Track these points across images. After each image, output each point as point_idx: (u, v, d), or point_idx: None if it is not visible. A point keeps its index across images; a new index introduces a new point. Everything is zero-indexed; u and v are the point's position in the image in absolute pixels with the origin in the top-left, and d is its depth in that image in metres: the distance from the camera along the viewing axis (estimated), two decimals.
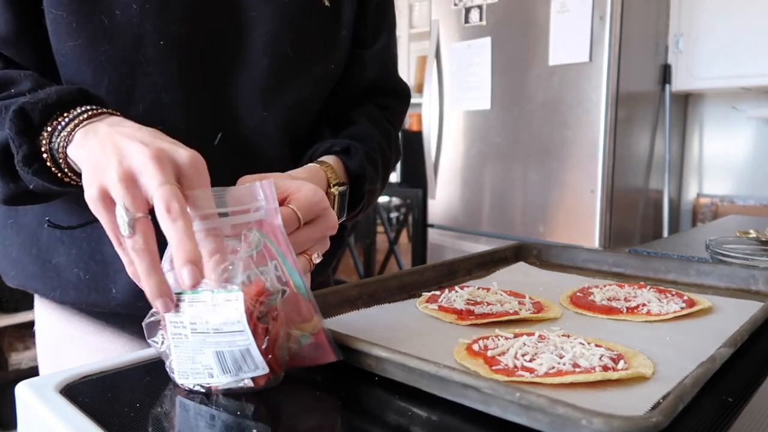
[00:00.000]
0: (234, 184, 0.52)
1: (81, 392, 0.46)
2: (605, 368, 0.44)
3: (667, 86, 2.30)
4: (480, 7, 2.34)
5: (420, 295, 0.66)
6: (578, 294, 0.67)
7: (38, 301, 0.76)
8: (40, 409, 0.44)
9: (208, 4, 0.64)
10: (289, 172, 0.61)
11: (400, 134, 0.88)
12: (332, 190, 0.64)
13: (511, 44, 2.26)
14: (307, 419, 0.43)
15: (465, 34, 2.41)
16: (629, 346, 0.50)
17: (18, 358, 2.36)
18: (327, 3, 0.72)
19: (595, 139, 2.06)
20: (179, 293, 0.43)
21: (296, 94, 0.71)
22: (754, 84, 2.17)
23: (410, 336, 0.54)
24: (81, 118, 0.50)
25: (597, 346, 0.49)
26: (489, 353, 0.48)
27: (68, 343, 0.74)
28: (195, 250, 0.41)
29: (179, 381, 0.45)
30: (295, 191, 0.53)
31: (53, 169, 0.51)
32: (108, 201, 0.44)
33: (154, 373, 0.49)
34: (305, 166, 0.65)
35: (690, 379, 0.40)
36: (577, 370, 0.44)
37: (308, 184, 0.54)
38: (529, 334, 0.51)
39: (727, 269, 0.73)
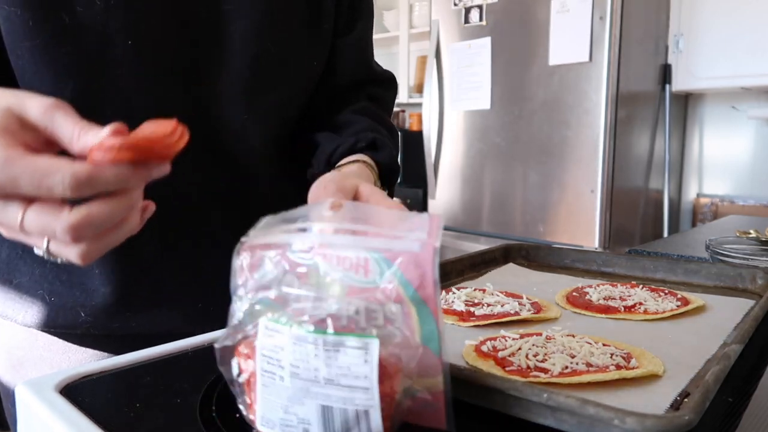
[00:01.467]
0: (208, 192, 0.45)
1: (81, 392, 0.46)
2: (618, 367, 0.44)
3: (667, 86, 2.30)
4: (480, 7, 2.34)
5: None
6: (574, 294, 0.68)
7: (1, 320, 0.68)
8: (40, 409, 0.44)
9: (206, 10, 0.60)
10: (344, 173, 0.56)
11: (399, 134, 0.88)
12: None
13: (511, 44, 2.26)
14: None
15: (465, 34, 2.41)
16: (634, 345, 0.50)
17: None
18: None
19: (595, 139, 2.06)
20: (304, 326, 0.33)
21: (279, 93, 0.66)
22: (754, 84, 2.18)
23: None
24: None
25: (604, 345, 0.49)
26: (500, 354, 0.48)
27: (35, 365, 0.67)
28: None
29: (260, 428, 0.36)
30: (381, 198, 0.49)
31: None
32: None
33: (154, 373, 0.49)
34: (351, 166, 0.60)
35: (711, 376, 0.40)
36: (591, 369, 0.44)
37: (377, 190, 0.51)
38: (537, 335, 0.51)
39: (714, 267, 0.73)
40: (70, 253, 0.36)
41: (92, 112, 0.53)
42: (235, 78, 0.62)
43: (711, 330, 0.55)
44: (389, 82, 0.81)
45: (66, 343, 0.65)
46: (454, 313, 0.60)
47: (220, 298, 0.44)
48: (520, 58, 2.24)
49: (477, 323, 0.58)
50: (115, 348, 0.53)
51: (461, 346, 0.51)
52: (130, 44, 0.56)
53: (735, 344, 0.47)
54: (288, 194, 0.70)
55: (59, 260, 0.38)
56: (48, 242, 0.36)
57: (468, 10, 2.38)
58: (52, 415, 0.42)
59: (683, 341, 0.53)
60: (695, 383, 0.43)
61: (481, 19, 2.34)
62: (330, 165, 0.64)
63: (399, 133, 0.82)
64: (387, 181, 0.65)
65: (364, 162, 0.61)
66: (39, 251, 0.37)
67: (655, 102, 2.31)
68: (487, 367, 0.46)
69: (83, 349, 0.65)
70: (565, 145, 2.15)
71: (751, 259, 0.80)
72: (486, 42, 2.33)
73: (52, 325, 0.63)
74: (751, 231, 0.97)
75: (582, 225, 2.13)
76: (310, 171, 0.69)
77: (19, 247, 0.60)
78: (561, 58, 2.11)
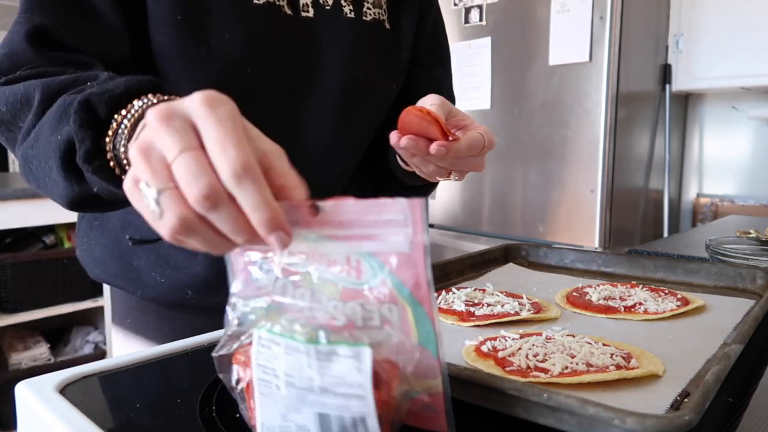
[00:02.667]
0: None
1: (80, 392, 0.46)
2: (618, 367, 0.44)
3: (667, 86, 2.30)
4: (480, 7, 2.34)
5: None
6: (574, 294, 0.68)
7: (114, 290, 0.81)
8: (40, 409, 0.44)
9: (289, 33, 0.69)
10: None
11: None
12: None
13: (511, 44, 2.26)
14: None
15: (465, 34, 2.41)
16: (634, 345, 0.50)
17: (18, 358, 2.36)
18: (388, 26, 0.77)
19: (595, 139, 2.06)
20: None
21: (364, 115, 0.77)
22: (754, 84, 2.17)
23: None
24: (144, 107, 0.42)
25: (604, 345, 0.49)
26: (500, 354, 0.48)
27: (142, 329, 0.78)
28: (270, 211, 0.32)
29: None
30: (472, 123, 0.59)
31: (116, 170, 0.44)
32: (136, 189, 0.34)
33: (154, 373, 0.49)
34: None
35: (711, 376, 0.40)
36: (592, 369, 0.44)
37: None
38: (536, 335, 0.51)
39: (714, 267, 0.73)
40: (171, 217, 0.32)
41: None
42: (329, 100, 0.72)
43: (711, 330, 0.55)
44: None
45: (170, 311, 0.77)
46: (454, 313, 0.60)
47: None
48: (520, 58, 2.24)
49: (477, 323, 0.58)
50: (212, 315, 0.59)
51: (461, 346, 0.51)
52: (249, 72, 0.66)
53: (735, 344, 0.47)
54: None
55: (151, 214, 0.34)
56: (162, 192, 0.32)
57: (468, 10, 2.38)
58: (52, 415, 0.42)
59: (683, 341, 0.53)
60: (695, 383, 0.43)
61: (481, 19, 2.34)
62: None
63: None
64: None
65: None
66: (148, 189, 0.33)
67: (655, 102, 2.31)
68: (487, 367, 0.46)
69: (184, 316, 0.77)
70: (565, 145, 2.15)
71: (751, 259, 0.80)
72: (486, 42, 2.33)
73: (163, 301, 0.75)
74: (751, 231, 0.97)
75: (582, 225, 2.13)
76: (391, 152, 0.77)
77: (137, 234, 0.69)
78: (561, 58, 2.11)
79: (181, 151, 0.32)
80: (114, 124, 0.43)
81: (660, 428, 0.33)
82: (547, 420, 0.38)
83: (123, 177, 0.43)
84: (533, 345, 0.49)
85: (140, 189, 0.33)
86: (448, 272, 0.78)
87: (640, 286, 0.69)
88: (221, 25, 0.64)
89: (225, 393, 0.46)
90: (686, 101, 2.55)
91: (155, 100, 0.43)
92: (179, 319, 0.77)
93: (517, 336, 0.51)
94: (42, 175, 0.50)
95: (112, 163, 0.44)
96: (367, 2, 0.75)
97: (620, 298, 0.65)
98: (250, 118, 0.61)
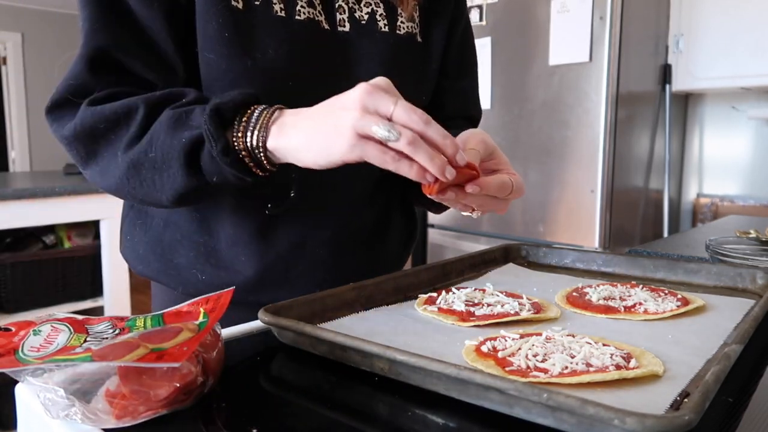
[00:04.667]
0: (333, 207, 0.64)
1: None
2: (618, 367, 0.44)
3: (667, 86, 2.30)
4: (480, 7, 2.33)
5: (416, 297, 0.67)
6: (574, 294, 0.68)
7: (155, 285, 0.84)
8: (40, 409, 0.44)
9: (327, 47, 0.72)
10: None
11: None
12: None
13: (511, 44, 2.26)
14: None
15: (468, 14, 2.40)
16: (634, 345, 0.50)
17: None
18: (419, 38, 0.79)
19: (595, 139, 2.06)
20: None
21: None
22: (754, 84, 2.18)
23: (414, 338, 0.54)
24: (267, 115, 0.57)
25: (604, 345, 0.49)
26: (499, 354, 0.48)
27: None
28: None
29: None
30: (507, 168, 0.66)
31: (246, 160, 0.57)
32: (363, 140, 0.50)
33: None
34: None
35: (711, 376, 0.40)
36: (591, 369, 0.44)
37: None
38: (536, 335, 0.51)
39: (714, 268, 0.73)
40: (407, 134, 0.50)
41: None
42: None
43: (711, 330, 0.55)
44: (477, 120, 0.96)
45: None
46: (454, 313, 0.60)
47: (331, 284, 0.65)
48: (520, 58, 2.24)
49: (477, 323, 0.58)
50: (249, 311, 0.62)
51: (461, 346, 0.51)
52: (290, 84, 0.70)
53: (735, 344, 0.47)
54: (386, 206, 0.87)
55: (390, 139, 0.50)
56: (393, 126, 0.50)
57: (468, 10, 2.38)
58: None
59: (683, 341, 0.53)
60: (695, 383, 0.43)
61: (481, 19, 2.34)
62: None
63: None
64: None
65: None
66: (381, 129, 0.50)
67: (655, 102, 2.31)
68: (487, 367, 0.46)
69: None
70: (565, 145, 2.15)
71: (751, 259, 0.80)
72: (486, 42, 2.33)
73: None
74: (751, 231, 0.97)
75: (582, 225, 2.13)
76: None
77: (178, 233, 0.74)
78: (561, 58, 2.11)
79: (396, 104, 0.51)
80: (239, 129, 0.56)
81: (660, 428, 0.33)
82: (546, 420, 0.38)
83: (251, 165, 0.57)
84: (533, 345, 0.49)
85: (372, 132, 0.50)
86: (448, 272, 0.78)
87: (640, 286, 0.69)
88: (266, 40, 0.67)
89: (225, 394, 0.46)
90: (686, 101, 2.55)
91: (267, 111, 0.57)
92: None
93: (517, 336, 0.51)
94: (154, 175, 0.60)
95: (243, 154, 0.56)
96: (401, 16, 0.77)
97: (620, 298, 0.65)
98: None
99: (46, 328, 0.45)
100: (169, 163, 0.58)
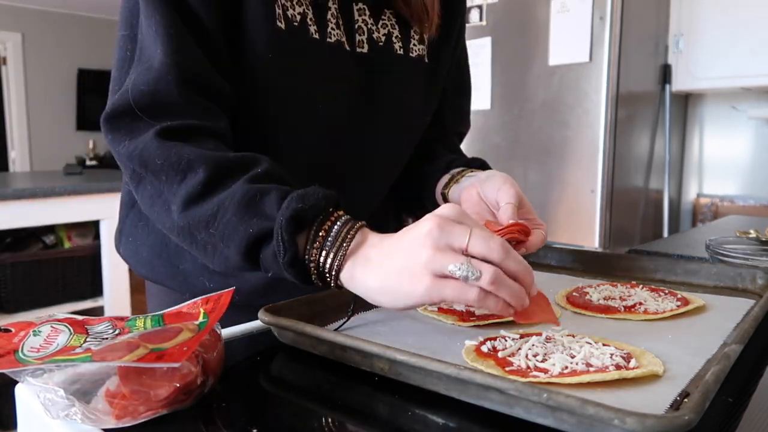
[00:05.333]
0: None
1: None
2: (618, 367, 0.44)
3: (667, 86, 2.30)
4: (480, 7, 2.34)
5: None
6: (574, 294, 0.68)
7: (153, 285, 0.82)
8: (40, 409, 0.44)
9: (350, 68, 0.72)
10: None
11: None
12: None
13: (511, 44, 2.26)
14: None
15: (465, 34, 2.40)
16: (634, 345, 0.50)
17: None
18: (427, 60, 0.80)
19: (595, 139, 2.06)
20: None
21: (406, 143, 0.83)
22: (754, 84, 2.18)
23: (414, 338, 0.54)
24: (346, 235, 0.52)
25: (604, 345, 0.49)
26: (500, 354, 0.48)
27: None
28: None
29: None
30: (535, 218, 0.69)
31: (313, 272, 0.53)
32: (441, 281, 0.47)
33: None
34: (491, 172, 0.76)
35: (711, 376, 0.40)
36: (591, 369, 0.44)
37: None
38: (536, 335, 0.51)
39: (714, 267, 0.73)
40: (488, 271, 0.47)
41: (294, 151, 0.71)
42: (379, 135, 0.77)
43: (711, 330, 0.55)
44: (464, 134, 0.97)
45: None
46: (454, 313, 0.60)
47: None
48: (520, 58, 2.24)
49: (477, 323, 0.58)
50: (254, 315, 0.60)
51: (461, 346, 0.51)
52: (320, 108, 0.70)
53: (735, 344, 0.47)
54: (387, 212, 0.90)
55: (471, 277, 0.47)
56: (470, 262, 0.47)
57: (468, 10, 2.38)
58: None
59: (683, 341, 0.53)
60: (695, 383, 0.43)
61: (481, 19, 2.34)
62: (448, 169, 0.80)
63: None
64: None
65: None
66: (459, 268, 0.47)
67: (655, 102, 2.31)
68: (487, 367, 0.46)
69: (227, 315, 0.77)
70: (565, 145, 2.15)
71: (751, 259, 0.79)
72: (486, 42, 2.33)
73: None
74: (751, 231, 0.97)
75: (582, 225, 2.13)
76: (428, 169, 0.84)
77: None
78: (561, 58, 2.11)
79: (471, 235, 0.48)
80: (317, 243, 0.52)
81: (660, 428, 0.33)
82: (546, 420, 0.38)
83: (315, 277, 0.53)
84: (533, 345, 0.49)
85: (449, 272, 0.47)
86: None
87: (640, 286, 0.69)
88: (303, 62, 0.67)
89: (225, 393, 0.46)
90: (686, 101, 2.55)
91: (349, 223, 0.53)
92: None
93: (517, 336, 0.51)
94: (208, 245, 0.56)
95: (311, 267, 0.52)
96: (413, 39, 0.78)
97: (620, 298, 0.65)
98: (320, 153, 0.72)
99: (45, 329, 0.45)
100: (227, 245, 0.54)
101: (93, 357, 0.41)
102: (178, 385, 0.41)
